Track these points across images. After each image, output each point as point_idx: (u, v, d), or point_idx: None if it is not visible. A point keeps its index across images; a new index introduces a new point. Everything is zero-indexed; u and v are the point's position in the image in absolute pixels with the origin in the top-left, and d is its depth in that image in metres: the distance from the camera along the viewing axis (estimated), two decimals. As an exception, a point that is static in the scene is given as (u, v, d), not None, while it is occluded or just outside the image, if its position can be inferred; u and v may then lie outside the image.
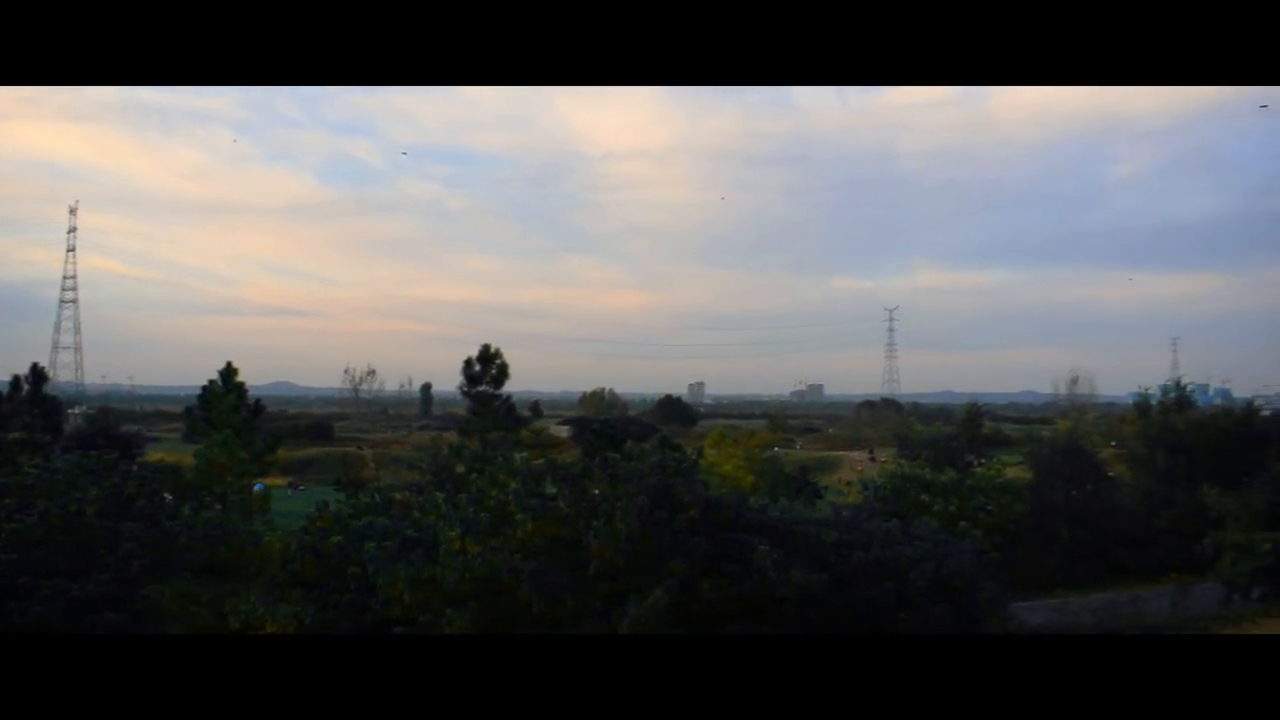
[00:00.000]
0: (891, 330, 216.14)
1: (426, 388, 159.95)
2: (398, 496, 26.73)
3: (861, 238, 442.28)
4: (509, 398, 47.25)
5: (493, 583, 18.51)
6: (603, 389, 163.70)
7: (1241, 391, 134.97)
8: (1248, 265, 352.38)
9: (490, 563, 18.47)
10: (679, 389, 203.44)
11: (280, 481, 64.36)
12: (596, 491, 20.48)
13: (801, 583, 19.06)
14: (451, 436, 51.54)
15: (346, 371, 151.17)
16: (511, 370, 46.73)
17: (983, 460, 49.46)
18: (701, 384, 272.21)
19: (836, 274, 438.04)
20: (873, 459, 75.73)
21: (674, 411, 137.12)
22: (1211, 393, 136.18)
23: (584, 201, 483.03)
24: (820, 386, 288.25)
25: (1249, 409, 62.16)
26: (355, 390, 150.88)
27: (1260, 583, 31.77)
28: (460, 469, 28.30)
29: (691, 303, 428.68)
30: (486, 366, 45.89)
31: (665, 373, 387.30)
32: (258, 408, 44.23)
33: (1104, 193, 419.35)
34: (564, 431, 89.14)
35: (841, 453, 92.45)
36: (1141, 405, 62.20)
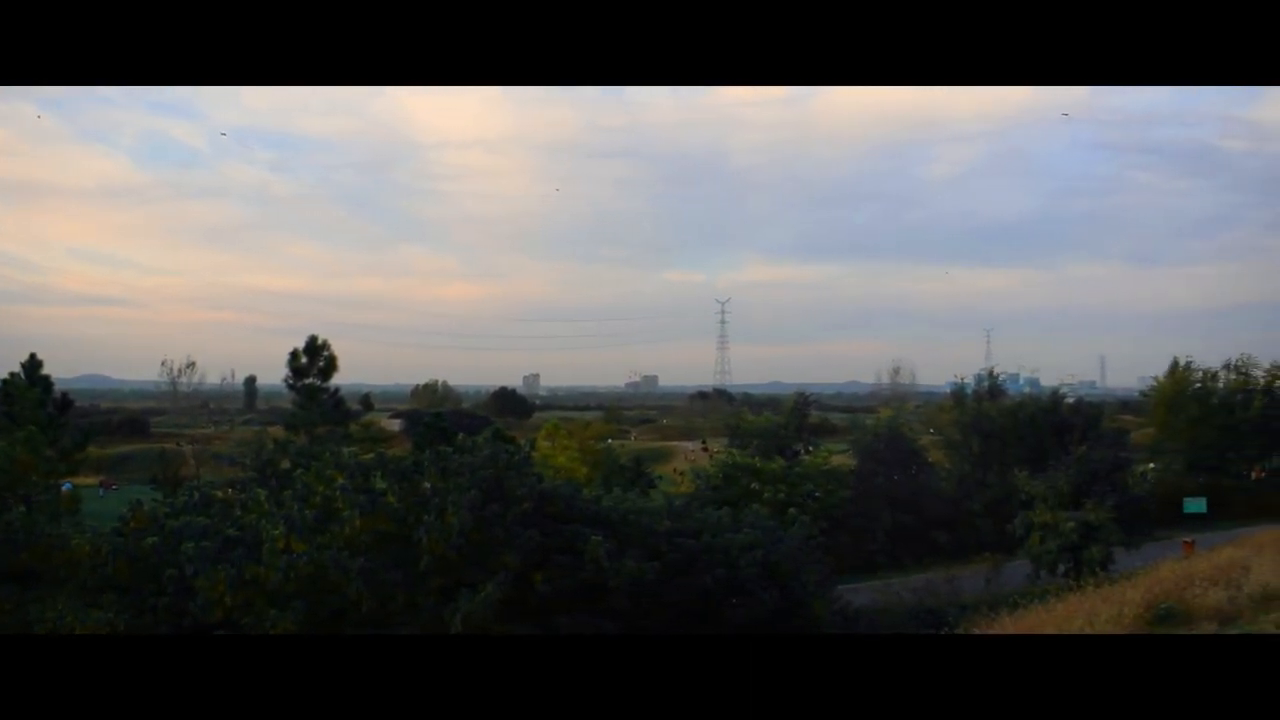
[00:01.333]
0: (723, 323, 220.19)
1: (251, 381, 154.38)
2: (218, 495, 25.65)
3: (694, 231, 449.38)
4: (337, 391, 45.99)
5: (319, 581, 18.02)
6: (436, 381, 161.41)
7: (1049, 380, 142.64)
8: (1054, 262, 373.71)
9: (316, 561, 17.97)
10: (514, 381, 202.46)
11: (91, 480, 61.01)
12: (428, 486, 20.15)
13: (634, 571, 19.22)
14: (277, 431, 49.94)
15: (164, 364, 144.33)
16: (341, 362, 45.48)
17: (810, 449, 50.98)
18: (537, 376, 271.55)
19: (670, 267, 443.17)
20: (705, 449, 76.88)
21: (509, 404, 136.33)
22: (1021, 382, 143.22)
23: (417, 190, 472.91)
24: (654, 378, 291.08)
25: (1054, 397, 65.80)
26: (174, 383, 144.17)
27: (1064, 559, 33.82)
28: (286, 465, 27.48)
29: (527, 294, 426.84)
30: (314, 358, 44.54)
31: (500, 365, 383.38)
32: (65, 402, 41.79)
33: (924, 191, 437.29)
34: (395, 425, 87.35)
35: (675, 443, 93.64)
36: (957, 394, 65.29)
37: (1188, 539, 37.27)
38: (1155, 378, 78.45)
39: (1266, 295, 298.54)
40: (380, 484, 20.22)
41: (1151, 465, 68.44)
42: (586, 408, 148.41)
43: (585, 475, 44.83)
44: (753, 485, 39.87)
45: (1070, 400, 69.54)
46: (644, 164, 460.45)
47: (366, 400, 56.02)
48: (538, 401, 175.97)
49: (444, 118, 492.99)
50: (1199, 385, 72.63)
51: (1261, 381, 72.67)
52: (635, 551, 20.30)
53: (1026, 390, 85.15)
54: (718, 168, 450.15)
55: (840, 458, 50.64)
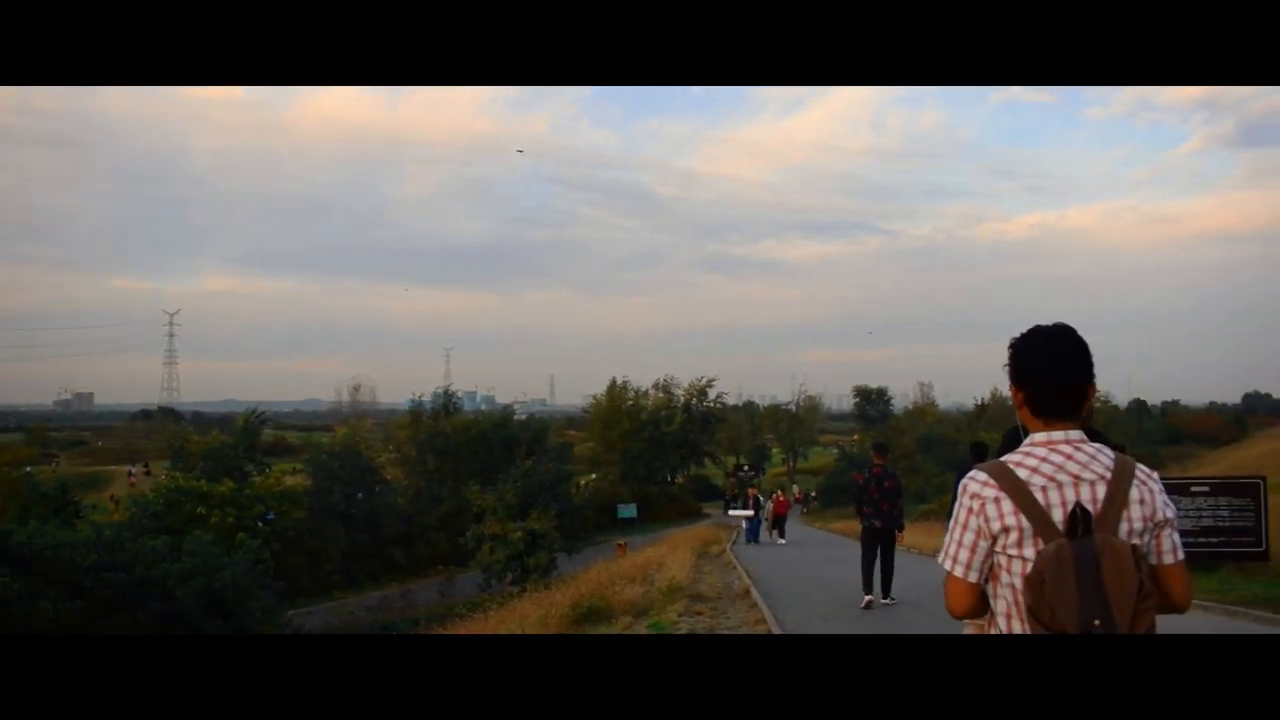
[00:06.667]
0: (172, 335, 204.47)
1: None
2: None
3: (145, 236, 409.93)
4: None
5: None
6: None
7: (505, 398, 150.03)
8: (512, 286, 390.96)
9: None
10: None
11: None
12: None
13: (51, 613, 17.27)
14: None
15: None
16: None
17: (265, 469, 48.96)
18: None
19: (115, 273, 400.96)
20: (147, 472, 71.15)
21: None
22: (479, 400, 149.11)
23: None
24: (90, 395, 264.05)
25: (505, 413, 69.29)
26: None
27: (512, 567, 35.63)
28: None
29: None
30: None
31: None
32: None
33: (392, 210, 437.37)
34: None
35: (113, 467, 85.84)
36: (415, 412, 66.40)
37: (621, 541, 40.81)
38: (595, 396, 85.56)
39: (689, 323, 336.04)
40: None
41: (592, 476, 74.41)
42: (4, 429, 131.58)
43: (-2, 507, 39.68)
44: (199, 510, 37.50)
45: (521, 417, 73.60)
46: (87, 157, 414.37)
47: None
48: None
49: None
50: (631, 403, 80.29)
51: (682, 399, 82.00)
52: (55, 590, 18.27)
53: (483, 408, 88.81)
54: (174, 168, 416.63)
55: (295, 478, 49.36)
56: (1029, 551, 2.36)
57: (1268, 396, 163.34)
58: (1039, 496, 2.38)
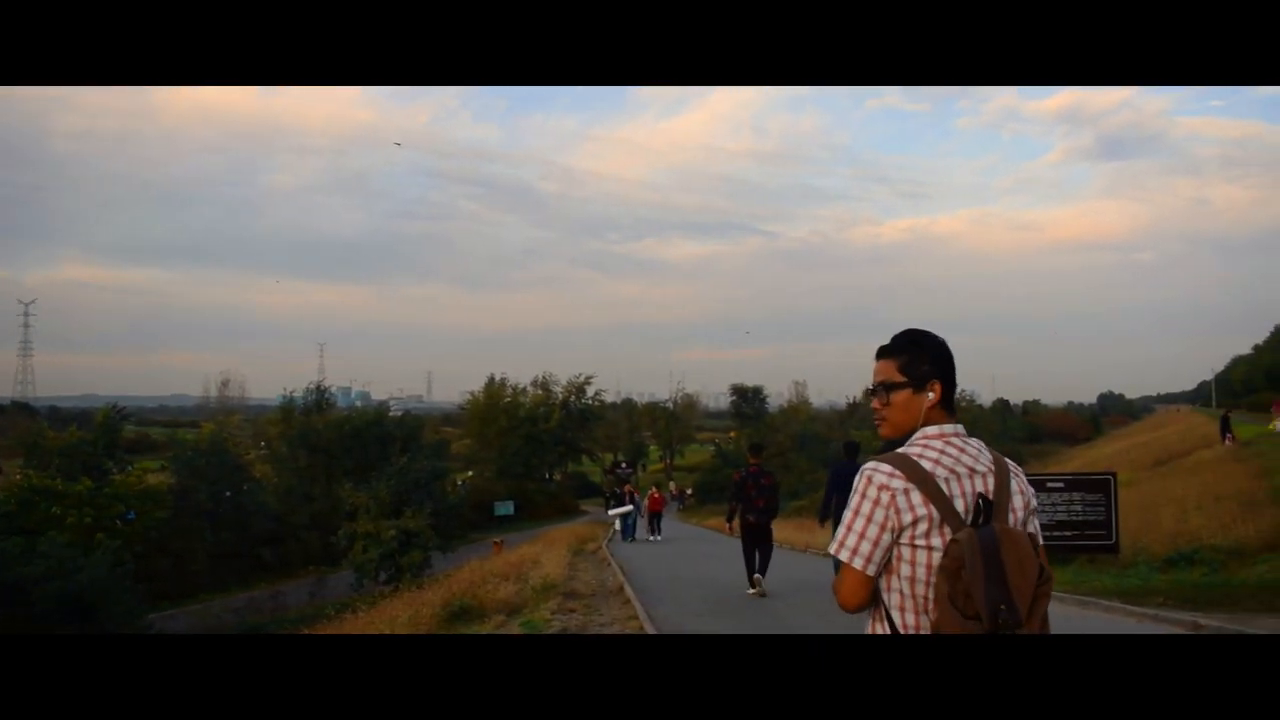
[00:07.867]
0: (27, 326, 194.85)
1: None
2: None
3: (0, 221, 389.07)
4: None
5: None
6: None
7: (381, 394, 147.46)
8: (388, 280, 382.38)
9: None
10: None
11: None
12: None
13: (-109, 619, 16.38)
14: None
15: None
16: None
17: (126, 467, 47.13)
18: None
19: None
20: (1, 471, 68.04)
21: None
22: (354, 395, 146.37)
23: None
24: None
25: (380, 409, 68.16)
26: None
27: (385, 566, 35.05)
28: None
29: None
30: None
31: None
32: None
33: (264, 201, 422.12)
34: None
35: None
36: (286, 407, 64.73)
37: (498, 539, 40.56)
38: (473, 393, 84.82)
39: (568, 320, 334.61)
40: None
41: (469, 473, 73.75)
42: None
43: None
44: (54, 510, 35.94)
45: (396, 414, 72.51)
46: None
47: None
48: None
49: None
50: (509, 400, 79.91)
51: (560, 396, 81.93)
52: (-106, 595, 17.33)
53: (357, 404, 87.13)
54: (34, 150, 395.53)
55: (159, 476, 47.69)
56: (936, 541, 2.45)
57: (1121, 397, 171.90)
58: (943, 487, 2.49)
